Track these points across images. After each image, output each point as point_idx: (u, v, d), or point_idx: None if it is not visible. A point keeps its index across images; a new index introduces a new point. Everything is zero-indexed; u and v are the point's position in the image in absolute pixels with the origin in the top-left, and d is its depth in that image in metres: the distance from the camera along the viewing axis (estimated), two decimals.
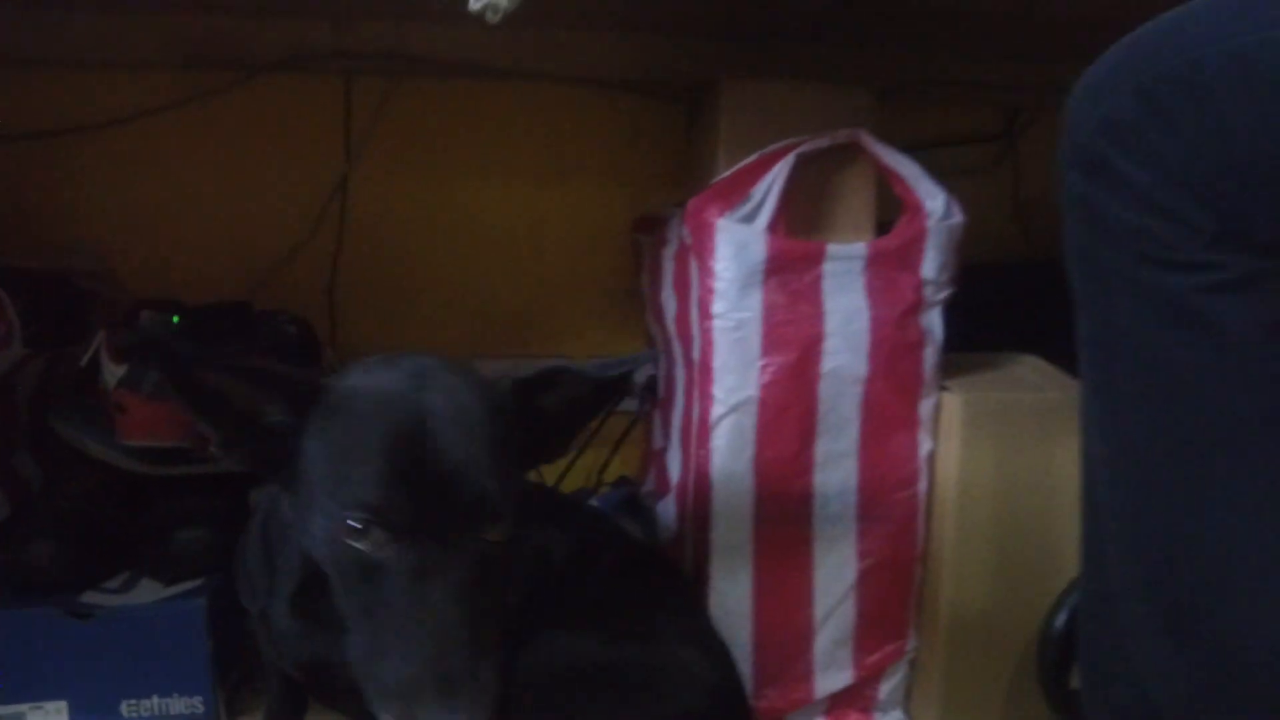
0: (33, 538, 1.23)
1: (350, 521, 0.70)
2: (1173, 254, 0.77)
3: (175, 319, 1.28)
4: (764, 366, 1.18)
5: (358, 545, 0.70)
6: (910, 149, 1.23)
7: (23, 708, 1.18)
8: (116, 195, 1.54)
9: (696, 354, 1.26)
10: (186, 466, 1.23)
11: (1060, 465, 1.19)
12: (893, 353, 1.21)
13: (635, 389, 0.98)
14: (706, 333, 1.20)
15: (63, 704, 1.18)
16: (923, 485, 1.24)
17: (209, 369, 0.74)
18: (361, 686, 0.72)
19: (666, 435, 1.50)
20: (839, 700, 1.27)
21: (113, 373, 1.25)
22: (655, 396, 1.63)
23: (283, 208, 1.57)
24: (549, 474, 1.60)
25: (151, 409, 1.21)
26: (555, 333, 1.69)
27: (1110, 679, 0.90)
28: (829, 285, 1.19)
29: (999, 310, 1.33)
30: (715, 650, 1.15)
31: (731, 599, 1.22)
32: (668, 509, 1.46)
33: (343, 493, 0.71)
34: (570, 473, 1.64)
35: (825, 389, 1.19)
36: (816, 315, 1.19)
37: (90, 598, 1.19)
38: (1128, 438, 0.85)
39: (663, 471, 1.50)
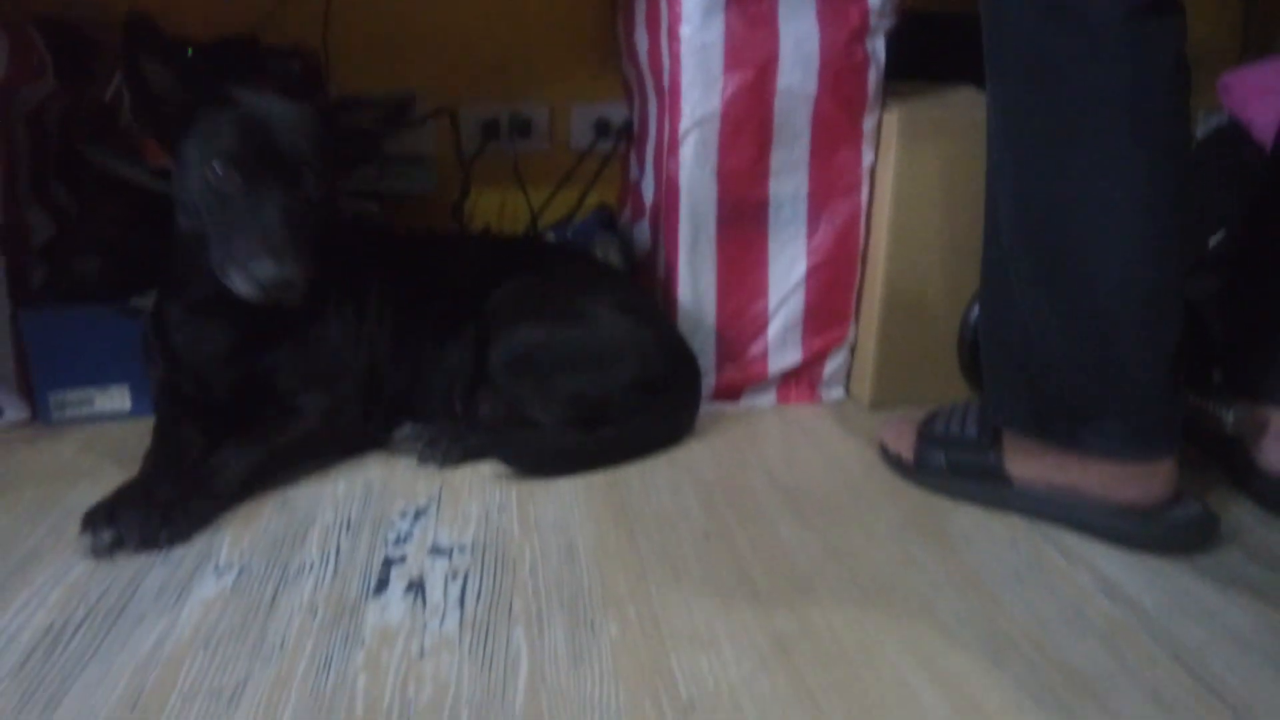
0: (78, 254, 1.40)
1: (214, 164, 1.07)
2: None
3: (189, 51, 1.40)
4: (725, 84, 1.32)
5: (220, 179, 1.07)
6: None
7: (91, 391, 1.38)
8: None
9: (666, 80, 1.40)
10: None
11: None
12: (839, 73, 1.35)
13: (413, 118, 1.32)
14: (675, 56, 1.33)
15: (124, 387, 1.38)
16: (864, 193, 1.41)
17: (155, 51, 1.08)
18: (224, 277, 1.07)
19: (641, 167, 1.66)
20: (789, 378, 1.48)
21: None
22: (630, 135, 1.77)
23: None
24: (536, 200, 1.76)
25: None
26: (534, 79, 1.80)
27: (1002, 325, 1.10)
28: (784, 10, 1.32)
29: (937, 53, 1.46)
30: (665, 327, 1.37)
31: (698, 290, 1.41)
32: (642, 230, 1.64)
33: (213, 146, 1.08)
34: (553, 204, 1.80)
35: (780, 105, 1.34)
36: (772, 37, 1.32)
37: (136, 302, 1.36)
38: (1013, 115, 1.03)
39: (638, 199, 1.66)
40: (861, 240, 1.43)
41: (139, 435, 1.22)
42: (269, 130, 1.09)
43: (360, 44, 1.71)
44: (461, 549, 1.04)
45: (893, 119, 1.38)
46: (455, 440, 1.23)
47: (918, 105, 1.39)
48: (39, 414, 1.37)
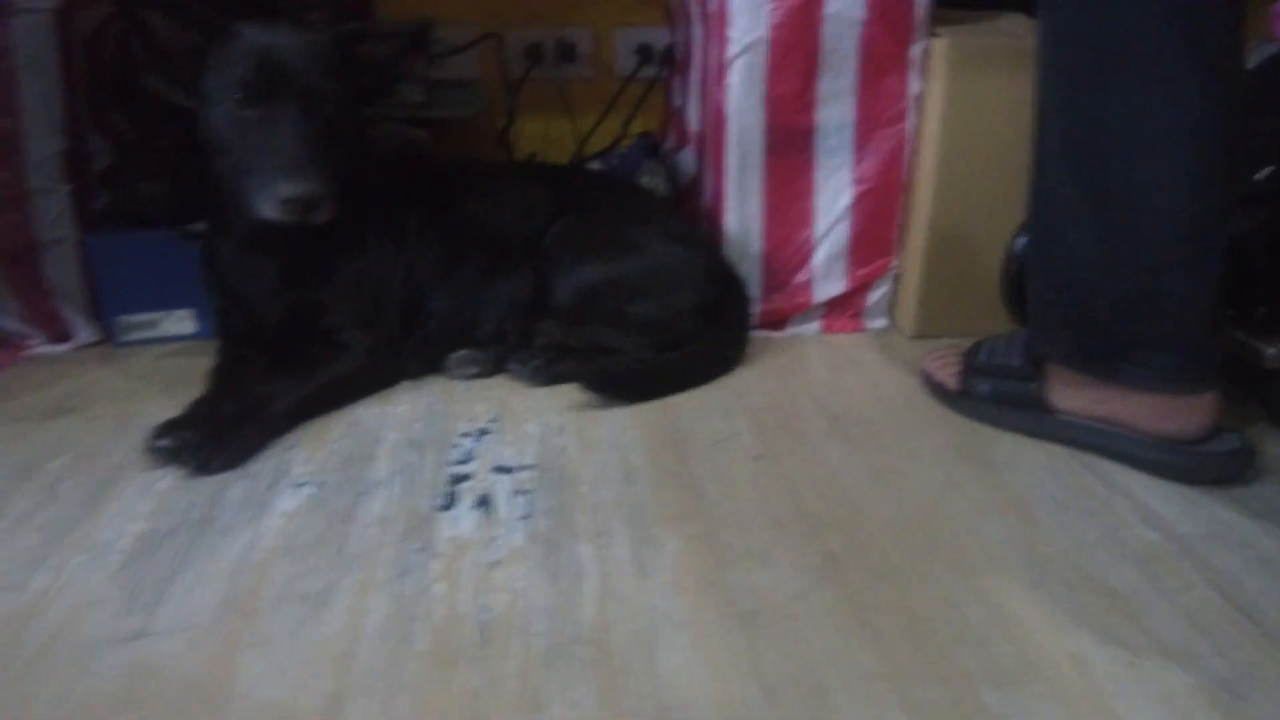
0: (139, 180, 1.43)
1: (234, 95, 1.11)
2: None
3: None
4: (773, 9, 1.32)
5: (237, 111, 1.11)
6: None
7: (158, 315, 1.42)
8: None
9: (713, 4, 1.40)
10: None
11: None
12: None
13: (428, 50, 1.29)
14: None
15: (189, 311, 1.43)
16: (911, 122, 1.42)
17: (154, 6, 1.12)
18: (251, 206, 1.11)
19: (684, 94, 1.66)
20: (834, 307, 1.51)
21: None
22: (672, 60, 1.78)
23: None
24: (579, 126, 1.77)
25: None
26: (580, 3, 1.80)
27: (1047, 256, 1.12)
28: None
29: None
30: (714, 253, 1.40)
31: (744, 218, 1.43)
32: (686, 157, 1.65)
33: (228, 80, 1.11)
34: (598, 132, 1.81)
35: (828, 30, 1.34)
36: None
37: (196, 227, 1.39)
38: (1064, 41, 1.04)
39: (681, 126, 1.67)
40: (907, 170, 1.44)
41: (205, 358, 1.27)
42: (278, 57, 1.11)
43: None
44: (525, 468, 1.09)
45: (941, 46, 1.37)
46: (546, 361, 1.28)
47: (967, 33, 1.39)
48: (109, 336, 1.42)
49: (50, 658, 0.80)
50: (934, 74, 1.39)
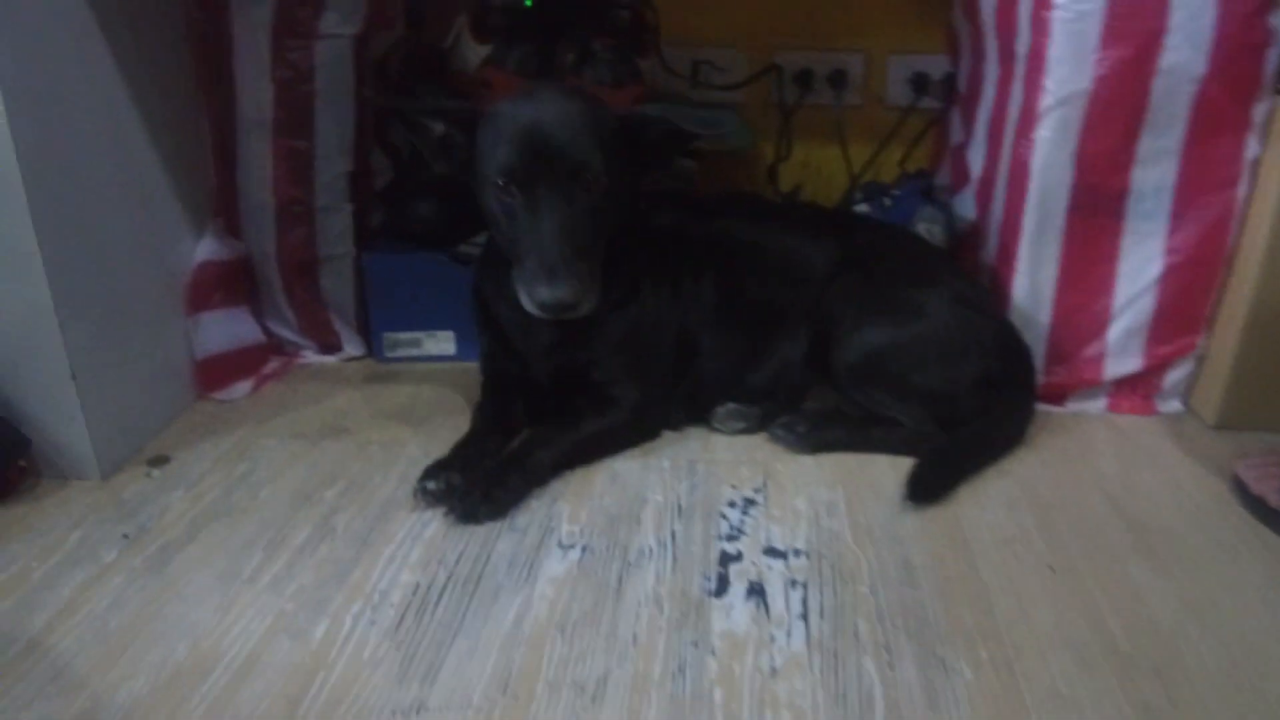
0: (415, 198, 1.45)
1: (497, 180, 1.06)
2: None
3: (528, 2, 1.39)
4: (1100, 60, 1.19)
5: (502, 196, 1.06)
6: None
7: (421, 334, 1.44)
8: None
9: (1023, 46, 1.27)
10: None
11: None
12: (1234, 52, 1.18)
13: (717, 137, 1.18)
14: (1041, 24, 1.21)
15: (450, 334, 1.44)
16: (1243, 188, 1.25)
17: (419, 114, 1.13)
18: (519, 294, 1.08)
19: (969, 130, 1.54)
20: (1123, 384, 1.36)
21: (476, 52, 1.40)
22: (953, 92, 1.65)
23: None
24: (854, 164, 1.68)
25: (516, 83, 1.36)
26: (850, 27, 1.70)
27: None
28: None
29: None
30: (1001, 320, 1.28)
31: (1035, 282, 1.31)
32: (965, 201, 1.53)
33: (493, 166, 1.07)
34: (860, 163, 1.71)
35: (1159, 85, 1.20)
36: (1161, 9, 1.17)
37: (467, 248, 1.40)
38: None
39: (961, 165, 1.55)
40: (1231, 241, 1.28)
41: (464, 382, 1.27)
42: (544, 137, 1.05)
43: None
44: (796, 553, 1.02)
45: None
46: (814, 428, 1.22)
47: None
48: (373, 351, 1.45)
49: None
50: (1277, 137, 1.22)
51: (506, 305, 1.18)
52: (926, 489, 1.12)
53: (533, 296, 1.05)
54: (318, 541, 1.03)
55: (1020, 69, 1.29)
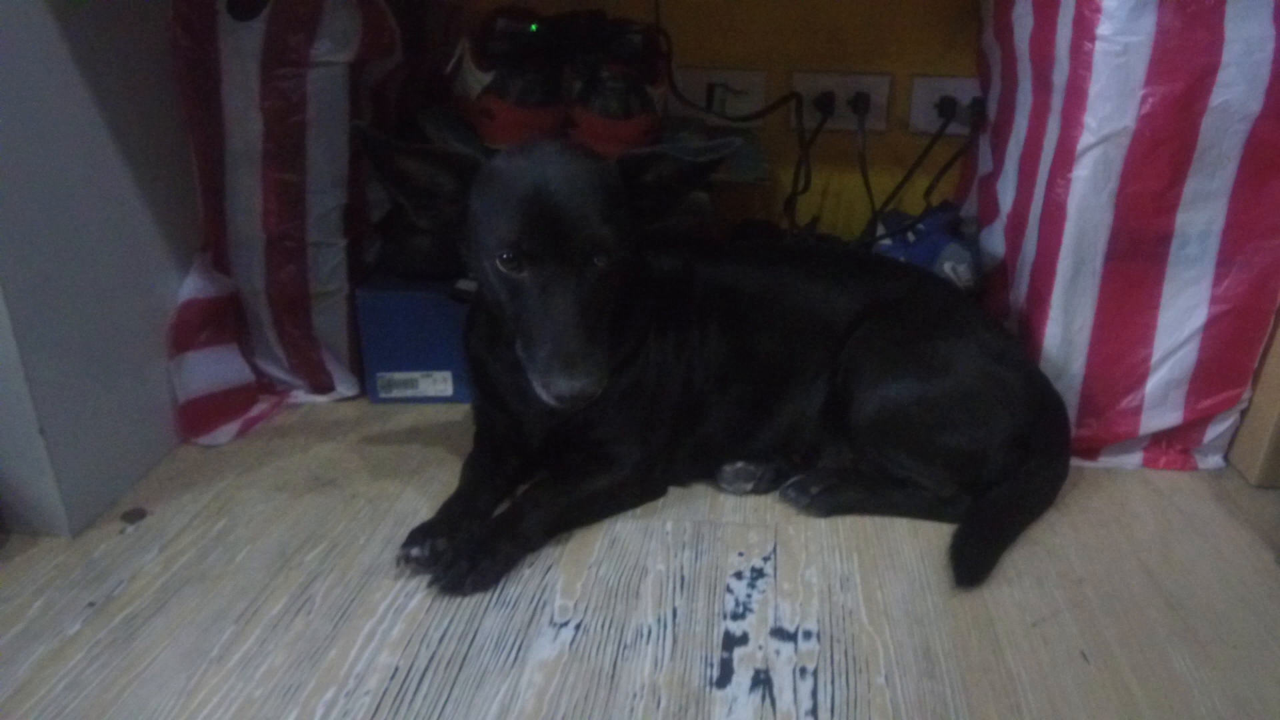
0: (413, 232, 1.37)
1: (501, 255, 0.96)
2: None
3: (533, 27, 1.32)
4: (1145, 96, 1.10)
5: (506, 272, 0.97)
6: None
7: (416, 374, 1.37)
8: None
9: (1060, 78, 1.19)
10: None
11: None
12: None
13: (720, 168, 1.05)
14: (1084, 56, 1.12)
15: (448, 374, 1.37)
16: None
17: (401, 153, 0.99)
18: (521, 364, 1.00)
19: (998, 161, 1.45)
20: (1160, 440, 1.28)
21: (478, 79, 1.32)
22: (983, 118, 1.57)
23: None
24: (876, 194, 1.60)
25: (518, 114, 1.29)
26: (875, 49, 1.62)
27: None
28: (1233, 9, 1.07)
29: None
30: (1032, 372, 1.19)
31: (1069, 330, 1.22)
32: (993, 235, 1.45)
33: (494, 238, 0.97)
34: (883, 191, 1.62)
35: (1208, 124, 1.11)
36: (1215, 42, 1.08)
37: (463, 284, 1.33)
38: None
39: (989, 198, 1.47)
40: None
41: (461, 425, 1.20)
42: (554, 209, 0.95)
43: (694, 8, 1.59)
44: (807, 635, 0.94)
45: None
46: (828, 490, 1.14)
47: None
48: (367, 391, 1.39)
49: None
50: None
51: (498, 363, 1.11)
52: (971, 568, 1.03)
53: (550, 389, 0.95)
54: (294, 614, 0.96)
55: (1058, 102, 1.21)
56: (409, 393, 1.38)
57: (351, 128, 0.99)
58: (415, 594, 0.99)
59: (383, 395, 1.38)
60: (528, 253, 0.96)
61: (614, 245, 0.98)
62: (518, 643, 0.93)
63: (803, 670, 0.90)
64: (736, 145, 1.02)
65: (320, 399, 1.39)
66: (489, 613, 0.97)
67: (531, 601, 0.99)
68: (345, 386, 1.39)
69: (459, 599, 0.98)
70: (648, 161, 1.03)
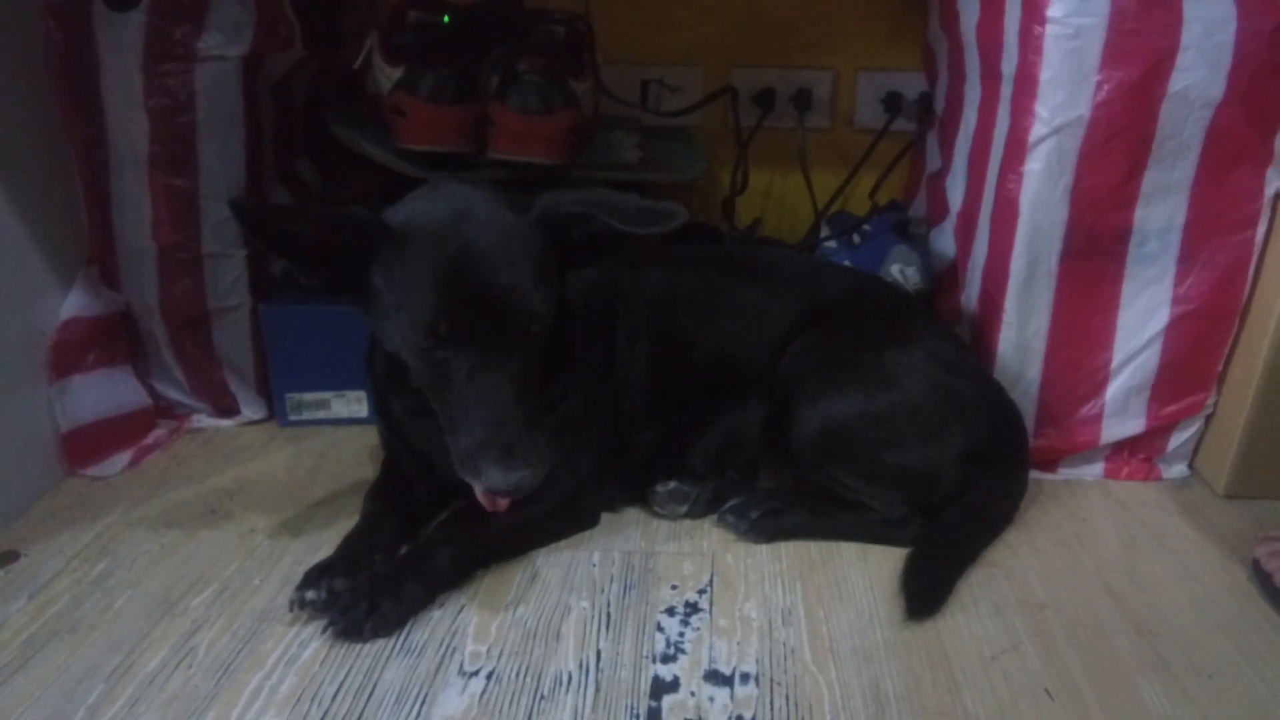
0: None
1: (420, 336, 0.85)
2: None
3: (445, 19, 1.23)
4: (1100, 83, 1.03)
5: (427, 350, 0.86)
6: None
7: (328, 395, 1.27)
8: None
9: (1009, 66, 1.12)
10: (465, 173, 1.22)
11: None
12: (1255, 75, 1.03)
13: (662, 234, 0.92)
14: (1034, 40, 1.05)
15: (362, 394, 1.27)
16: (1261, 230, 1.10)
17: (284, 219, 0.88)
18: (447, 448, 0.89)
19: (947, 158, 1.38)
20: (1122, 449, 1.21)
21: (387, 75, 1.22)
22: (930, 114, 1.50)
23: None
24: (820, 194, 1.52)
25: (430, 112, 1.19)
26: (818, 42, 1.54)
27: None
28: None
29: None
30: (986, 381, 1.12)
31: (1024, 335, 1.15)
32: (943, 236, 1.37)
33: (409, 319, 0.86)
34: (826, 190, 1.54)
35: (1168, 112, 1.04)
36: (1173, 24, 1.01)
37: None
38: None
39: (938, 196, 1.39)
40: (1247, 289, 1.12)
41: (377, 451, 1.11)
42: (480, 285, 0.85)
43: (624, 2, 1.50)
44: (744, 678, 0.85)
45: None
46: (769, 513, 1.05)
47: None
48: (274, 413, 1.28)
49: None
50: None
51: (401, 405, 1.01)
52: (925, 597, 0.94)
53: (484, 480, 0.85)
54: (173, 669, 0.86)
55: (1007, 91, 1.13)
56: (320, 414, 1.27)
57: (228, 202, 0.86)
58: (310, 643, 0.89)
59: (292, 418, 1.27)
60: (451, 338, 0.85)
61: (547, 312, 0.89)
62: (421, 695, 0.83)
63: (739, 719, 0.81)
64: (682, 218, 0.89)
65: (224, 423, 1.28)
66: (391, 662, 0.87)
67: (439, 648, 0.89)
68: (251, 409, 1.28)
69: (358, 646, 0.88)
70: (575, 220, 0.91)
